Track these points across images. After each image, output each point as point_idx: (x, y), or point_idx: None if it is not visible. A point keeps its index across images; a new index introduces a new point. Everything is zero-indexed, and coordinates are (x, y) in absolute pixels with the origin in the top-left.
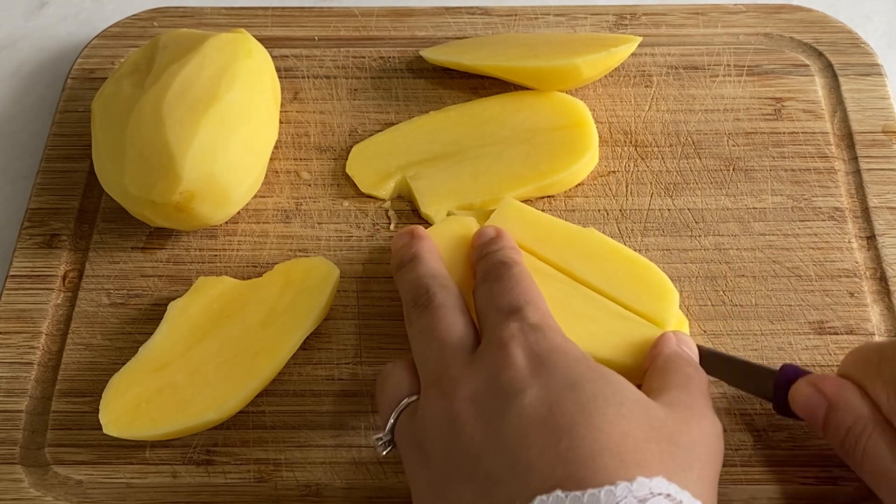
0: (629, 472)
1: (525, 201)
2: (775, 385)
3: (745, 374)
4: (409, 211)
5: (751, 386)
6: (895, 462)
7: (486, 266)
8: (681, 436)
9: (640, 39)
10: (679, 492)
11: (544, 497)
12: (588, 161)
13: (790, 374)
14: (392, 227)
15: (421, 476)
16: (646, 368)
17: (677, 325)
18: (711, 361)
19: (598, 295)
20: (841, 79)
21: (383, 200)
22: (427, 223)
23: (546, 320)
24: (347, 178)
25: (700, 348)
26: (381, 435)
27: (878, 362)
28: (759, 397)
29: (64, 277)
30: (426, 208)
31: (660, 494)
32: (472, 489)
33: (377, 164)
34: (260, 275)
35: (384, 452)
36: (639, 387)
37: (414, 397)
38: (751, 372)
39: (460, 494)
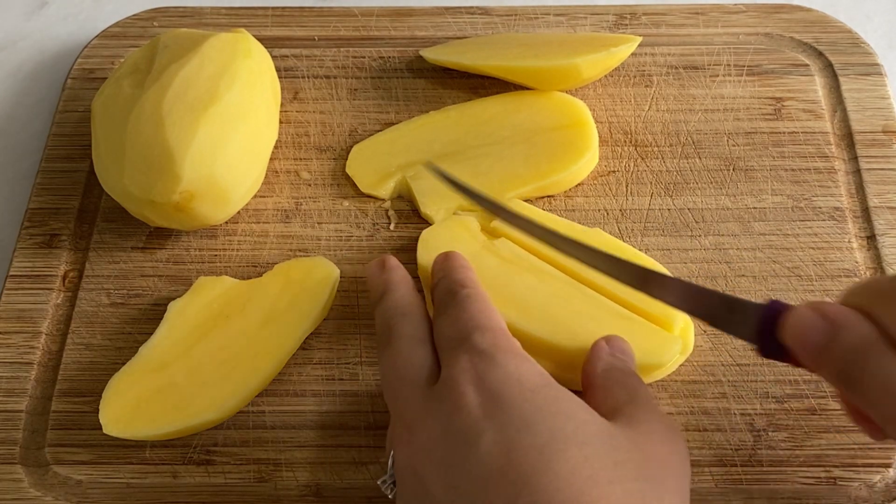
0: None
1: (525, 201)
2: (762, 319)
3: (726, 309)
4: (409, 211)
5: (733, 324)
6: None
7: (438, 296)
8: (648, 466)
9: (640, 39)
10: None
11: None
12: (588, 161)
13: (779, 309)
14: (392, 226)
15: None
16: (584, 385)
17: (683, 328)
18: (686, 296)
19: (602, 295)
20: (841, 78)
21: (383, 200)
22: (427, 223)
23: (497, 342)
24: (347, 178)
25: (673, 281)
26: (385, 478)
27: (881, 288)
28: (741, 338)
29: (64, 277)
30: (426, 208)
31: None
32: None
33: (377, 164)
34: (260, 275)
35: (391, 495)
36: None
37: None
38: (733, 307)
39: None
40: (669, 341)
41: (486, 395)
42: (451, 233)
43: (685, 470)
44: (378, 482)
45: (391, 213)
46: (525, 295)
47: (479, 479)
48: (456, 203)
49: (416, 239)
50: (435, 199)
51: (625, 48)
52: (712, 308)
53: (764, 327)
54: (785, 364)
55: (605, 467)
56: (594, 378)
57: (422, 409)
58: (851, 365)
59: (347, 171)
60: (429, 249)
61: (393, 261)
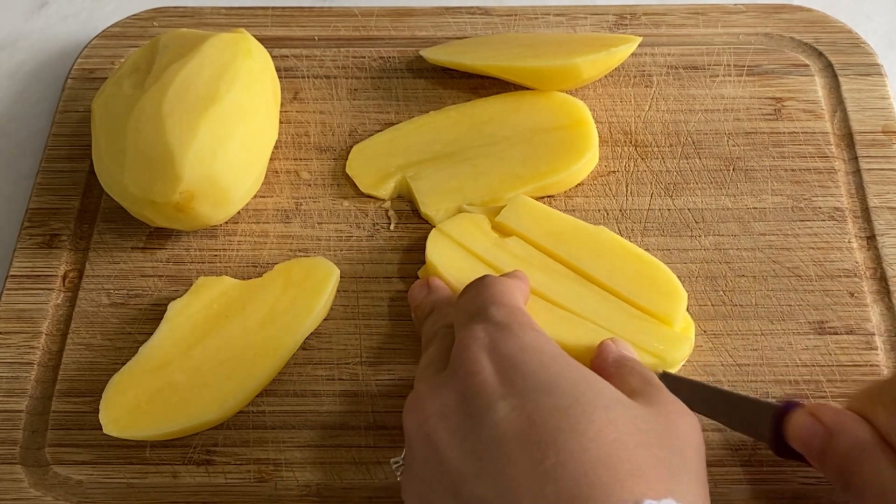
0: (625, 484)
1: None
2: (773, 420)
3: (740, 410)
4: (409, 211)
5: (746, 425)
6: None
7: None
8: (669, 437)
9: (640, 39)
10: None
11: None
12: (588, 161)
13: (790, 410)
14: (392, 226)
15: (409, 490)
16: None
17: (684, 327)
18: (700, 397)
19: (607, 293)
20: (841, 79)
21: (383, 200)
22: (427, 223)
23: (513, 316)
24: (347, 178)
25: (685, 382)
26: (399, 458)
27: (878, 390)
28: (759, 439)
29: (64, 277)
30: (426, 208)
31: None
32: None
33: (377, 164)
34: (260, 275)
35: (399, 476)
36: None
37: None
38: (747, 408)
39: None
40: (679, 340)
41: (502, 362)
42: (461, 230)
43: (702, 447)
44: (392, 461)
45: (391, 213)
46: (535, 292)
47: (499, 442)
48: (455, 203)
49: (417, 239)
50: (435, 200)
51: (625, 48)
52: (730, 409)
53: (776, 429)
54: (785, 364)
55: (630, 432)
56: (606, 368)
57: (435, 380)
58: (847, 469)
59: (347, 171)
60: (439, 246)
61: (437, 282)
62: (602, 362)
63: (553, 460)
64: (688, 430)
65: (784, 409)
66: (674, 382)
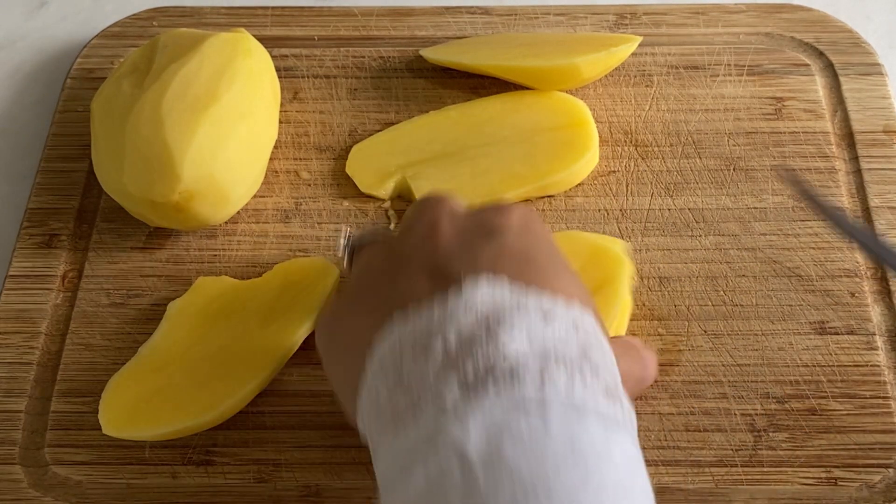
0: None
1: (525, 201)
2: None
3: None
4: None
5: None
6: None
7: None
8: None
9: (640, 39)
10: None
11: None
12: (588, 161)
13: None
14: (392, 227)
15: (374, 263)
16: None
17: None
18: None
19: None
20: (842, 78)
21: (383, 200)
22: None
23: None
24: (347, 178)
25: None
26: (341, 241)
27: None
28: None
29: (63, 277)
30: None
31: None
32: (426, 275)
33: (377, 164)
34: (260, 275)
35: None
36: None
37: None
38: None
39: (412, 276)
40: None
41: (523, 224)
42: None
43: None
44: (338, 242)
45: (391, 212)
46: None
47: (495, 251)
48: None
49: None
50: None
51: (625, 48)
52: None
53: None
54: (786, 364)
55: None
56: None
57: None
58: None
59: (347, 171)
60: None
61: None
62: None
63: (526, 265)
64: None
65: None
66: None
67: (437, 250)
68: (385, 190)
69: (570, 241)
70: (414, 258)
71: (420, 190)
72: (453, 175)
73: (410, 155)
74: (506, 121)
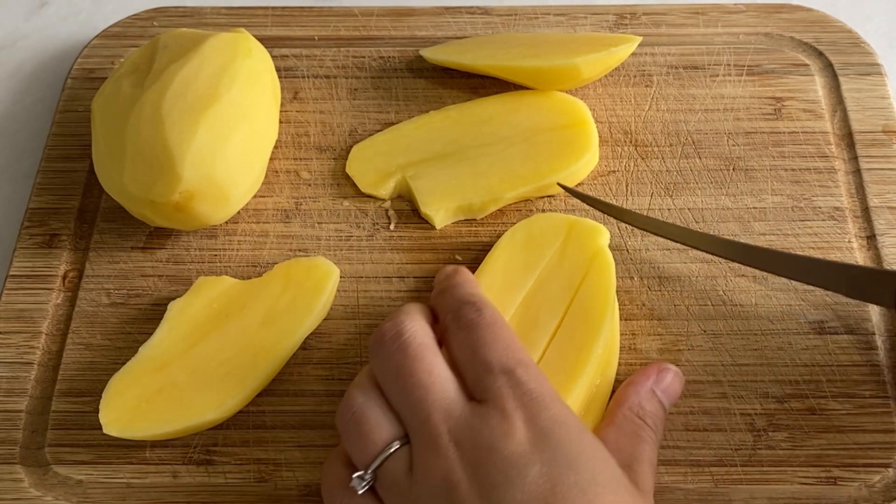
0: None
1: (525, 201)
2: None
3: (864, 280)
4: (409, 211)
5: (866, 293)
6: None
7: (451, 304)
8: None
9: (640, 39)
10: None
11: None
12: (588, 161)
13: None
14: (392, 226)
15: None
16: (609, 407)
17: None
18: (827, 273)
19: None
20: (841, 78)
21: (383, 200)
22: (426, 223)
23: (542, 383)
24: (347, 178)
25: (801, 259)
26: (362, 473)
27: None
28: (881, 304)
29: (64, 277)
30: (426, 208)
31: None
32: None
33: (377, 164)
34: (260, 275)
35: (361, 491)
36: None
37: (397, 444)
38: (870, 278)
39: None
40: None
41: (536, 431)
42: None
43: None
44: (354, 476)
45: (391, 212)
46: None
47: (521, 501)
48: (456, 203)
49: (417, 239)
50: (435, 199)
51: (625, 48)
52: (850, 280)
53: None
54: (785, 364)
55: None
56: (621, 409)
57: (466, 424)
58: None
59: (347, 170)
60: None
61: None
62: (623, 401)
63: None
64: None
65: None
66: (785, 260)
67: None
68: (385, 190)
69: (548, 220)
70: None
71: (420, 190)
72: (453, 175)
73: (410, 155)
74: (506, 121)
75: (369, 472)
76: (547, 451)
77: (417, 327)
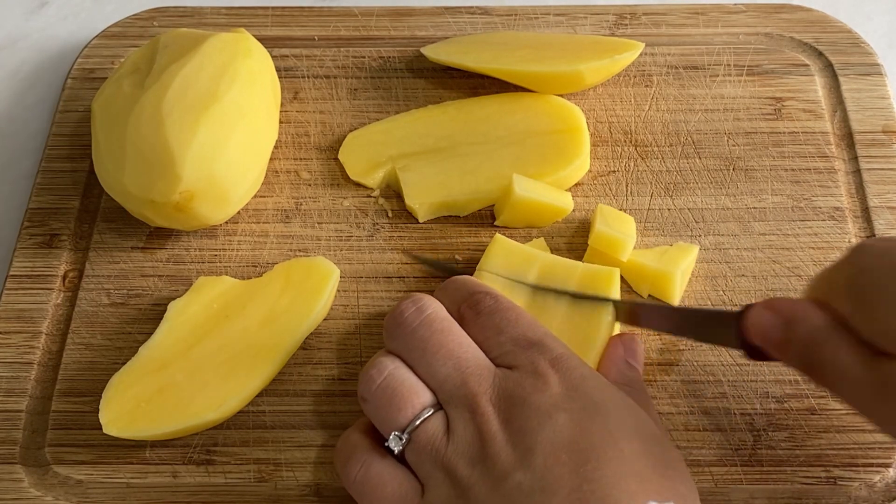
0: (649, 497)
1: None
2: (736, 325)
3: (708, 323)
4: (408, 211)
5: (718, 336)
6: (855, 364)
7: (464, 295)
8: (661, 441)
9: (642, 46)
10: None
11: None
12: (577, 167)
13: (747, 311)
14: (389, 214)
15: (441, 490)
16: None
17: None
18: (671, 319)
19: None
20: (841, 78)
21: (385, 198)
22: (411, 215)
23: (569, 350)
24: (348, 178)
25: (655, 308)
26: (399, 434)
27: (830, 275)
28: (731, 347)
29: (64, 277)
30: (410, 200)
31: None
32: (499, 497)
33: (369, 153)
34: (260, 275)
35: (396, 451)
36: None
37: (431, 410)
38: (714, 320)
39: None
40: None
41: (567, 385)
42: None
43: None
44: (393, 434)
45: (381, 200)
46: None
47: (550, 444)
48: (440, 199)
49: (417, 239)
50: (420, 192)
51: (628, 55)
52: (696, 325)
53: (742, 333)
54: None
55: (656, 466)
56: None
57: (501, 385)
58: (807, 355)
59: (339, 157)
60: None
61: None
62: (605, 374)
63: (592, 466)
64: (656, 419)
65: (744, 312)
66: (641, 310)
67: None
68: (374, 179)
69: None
70: None
71: (406, 182)
72: (441, 170)
73: (403, 147)
74: (501, 121)
75: (405, 432)
76: (577, 401)
77: (437, 306)
